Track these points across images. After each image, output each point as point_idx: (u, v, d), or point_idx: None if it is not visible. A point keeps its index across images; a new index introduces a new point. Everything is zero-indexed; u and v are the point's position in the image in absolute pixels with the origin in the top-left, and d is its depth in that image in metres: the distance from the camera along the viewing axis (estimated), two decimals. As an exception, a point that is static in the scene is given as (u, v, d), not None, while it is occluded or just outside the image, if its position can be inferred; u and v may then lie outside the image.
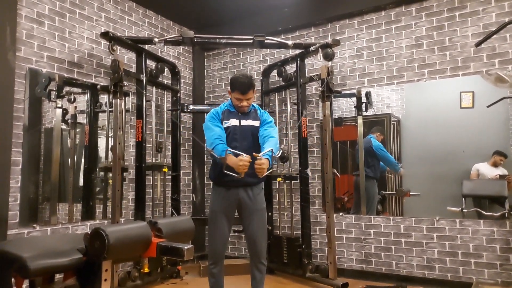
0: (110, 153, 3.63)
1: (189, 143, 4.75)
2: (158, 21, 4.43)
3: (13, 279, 1.83)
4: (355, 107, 3.97)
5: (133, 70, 3.81)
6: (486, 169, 3.39)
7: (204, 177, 4.78)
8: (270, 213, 4.03)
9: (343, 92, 3.99)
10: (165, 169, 3.94)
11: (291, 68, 4.08)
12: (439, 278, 3.44)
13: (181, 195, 4.29)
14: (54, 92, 3.24)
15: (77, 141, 3.55)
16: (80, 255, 1.77)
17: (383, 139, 3.88)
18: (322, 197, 3.99)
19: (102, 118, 3.73)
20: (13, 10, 2.97)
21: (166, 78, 4.28)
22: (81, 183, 3.58)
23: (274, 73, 4.25)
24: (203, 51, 5.00)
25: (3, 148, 2.85)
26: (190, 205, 4.72)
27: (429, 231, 3.51)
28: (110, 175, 3.48)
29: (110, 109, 3.62)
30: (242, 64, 4.74)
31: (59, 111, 3.28)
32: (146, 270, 1.99)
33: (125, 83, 3.40)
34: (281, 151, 2.56)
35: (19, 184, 2.98)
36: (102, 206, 3.69)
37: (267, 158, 2.44)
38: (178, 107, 4.23)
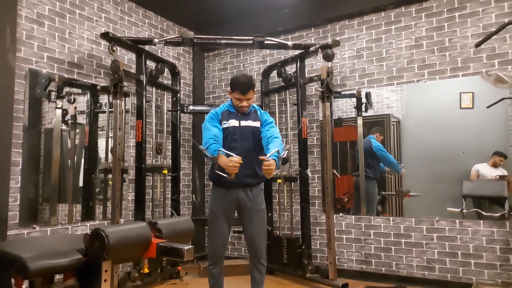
0: (110, 154, 3.63)
1: (189, 143, 4.75)
2: (158, 21, 4.43)
3: (13, 280, 1.83)
4: (355, 107, 3.97)
5: (133, 70, 3.81)
6: (486, 170, 3.39)
7: (204, 177, 4.78)
8: (270, 214, 4.03)
9: (343, 92, 3.99)
10: (165, 171, 3.94)
11: (291, 69, 4.09)
12: (439, 279, 3.44)
13: (181, 195, 4.29)
14: (54, 92, 3.24)
15: (77, 141, 3.55)
16: (80, 256, 1.77)
17: (383, 139, 3.88)
18: (322, 197, 3.99)
19: (102, 119, 3.73)
20: (13, 10, 2.97)
21: (166, 78, 4.28)
22: (81, 183, 3.58)
23: (274, 73, 4.25)
24: (203, 51, 5.00)
25: (3, 148, 2.85)
26: (190, 205, 4.72)
27: (429, 231, 3.51)
28: (110, 176, 3.48)
29: (110, 109, 3.62)
30: (242, 64, 4.74)
31: (59, 111, 3.28)
32: (146, 270, 1.98)
33: (125, 83, 3.39)
34: (286, 151, 2.56)
35: (19, 185, 2.98)
36: (102, 206, 3.69)
37: (274, 159, 2.44)
38: (178, 108, 4.23)
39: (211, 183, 2.81)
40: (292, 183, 4.01)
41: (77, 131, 3.54)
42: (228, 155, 2.43)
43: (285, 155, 2.62)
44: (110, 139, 3.67)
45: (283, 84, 4.14)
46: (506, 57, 3.31)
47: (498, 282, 3.21)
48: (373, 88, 3.89)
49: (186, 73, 4.82)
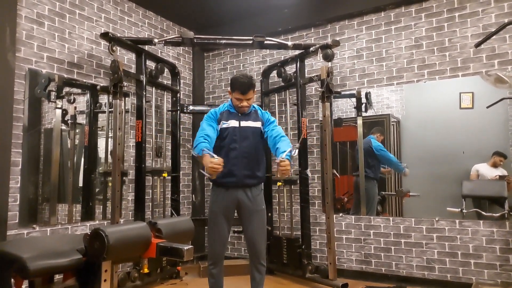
0: (110, 156, 3.63)
1: (189, 143, 4.75)
2: (158, 21, 4.43)
3: (12, 280, 1.83)
4: (355, 107, 3.97)
5: (133, 70, 3.81)
6: (486, 170, 3.39)
7: (204, 177, 4.78)
8: (269, 214, 4.03)
9: (342, 92, 3.99)
10: (165, 174, 3.94)
11: (291, 69, 4.09)
12: (439, 279, 3.44)
13: (180, 195, 4.29)
14: (53, 92, 3.24)
15: (76, 141, 3.55)
16: (79, 256, 1.77)
17: (383, 139, 3.88)
18: (322, 197, 3.99)
19: (102, 119, 3.73)
20: (13, 10, 2.97)
21: (166, 78, 4.28)
22: (80, 183, 3.58)
23: (274, 73, 4.25)
24: (203, 51, 5.00)
25: (2, 148, 2.85)
26: (190, 205, 4.72)
27: (429, 231, 3.51)
28: (110, 178, 3.48)
29: (110, 109, 3.62)
30: (242, 64, 4.74)
31: (58, 111, 3.28)
32: (146, 270, 1.98)
33: (125, 83, 3.40)
34: (296, 149, 2.55)
35: (18, 185, 2.98)
36: (101, 206, 3.69)
37: (288, 159, 2.43)
38: (178, 108, 4.23)
39: (210, 183, 2.81)
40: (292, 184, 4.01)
41: (77, 131, 3.54)
42: (212, 156, 2.41)
43: (295, 153, 2.61)
44: (110, 139, 3.67)
45: (283, 84, 4.14)
46: (506, 57, 3.31)
47: (498, 282, 3.21)
48: (373, 88, 3.89)
49: (186, 73, 4.82)
